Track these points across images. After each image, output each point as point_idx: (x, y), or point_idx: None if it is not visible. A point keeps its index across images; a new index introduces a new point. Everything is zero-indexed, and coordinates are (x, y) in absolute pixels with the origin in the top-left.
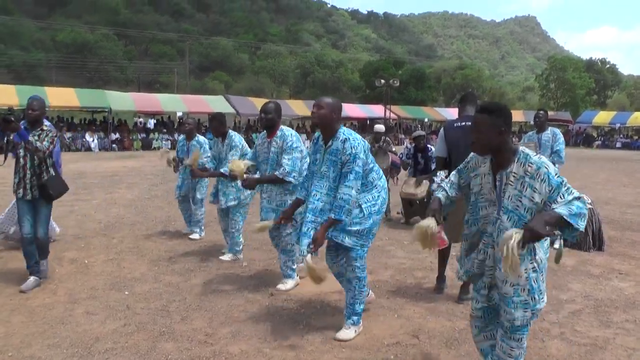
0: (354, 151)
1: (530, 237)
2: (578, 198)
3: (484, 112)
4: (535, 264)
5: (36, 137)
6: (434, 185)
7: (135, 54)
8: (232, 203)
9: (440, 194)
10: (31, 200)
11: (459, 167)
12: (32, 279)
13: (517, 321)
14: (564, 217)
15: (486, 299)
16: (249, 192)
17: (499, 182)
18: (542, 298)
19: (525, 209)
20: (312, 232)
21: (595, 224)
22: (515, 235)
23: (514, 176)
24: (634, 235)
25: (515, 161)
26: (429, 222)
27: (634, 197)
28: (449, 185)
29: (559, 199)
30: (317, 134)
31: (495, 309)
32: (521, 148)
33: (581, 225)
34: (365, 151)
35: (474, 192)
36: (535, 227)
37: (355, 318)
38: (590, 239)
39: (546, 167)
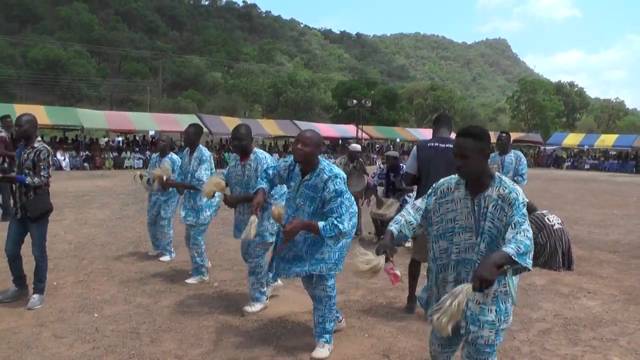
0: (337, 187)
1: (482, 285)
2: (527, 235)
3: (469, 136)
4: (507, 287)
5: (27, 160)
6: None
7: (108, 71)
8: (190, 220)
9: (392, 227)
10: (21, 219)
11: (427, 192)
12: (36, 296)
13: (480, 340)
14: (513, 257)
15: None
16: (209, 212)
17: (478, 206)
18: (507, 319)
19: (498, 231)
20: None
21: (565, 244)
22: (465, 289)
23: (490, 199)
24: (601, 255)
25: (492, 185)
26: (378, 260)
27: (602, 217)
28: (413, 211)
29: (509, 229)
30: (291, 159)
31: (458, 330)
32: (497, 173)
33: (529, 263)
34: (345, 184)
35: (446, 219)
36: (485, 275)
37: (327, 336)
38: (560, 259)
39: (516, 194)
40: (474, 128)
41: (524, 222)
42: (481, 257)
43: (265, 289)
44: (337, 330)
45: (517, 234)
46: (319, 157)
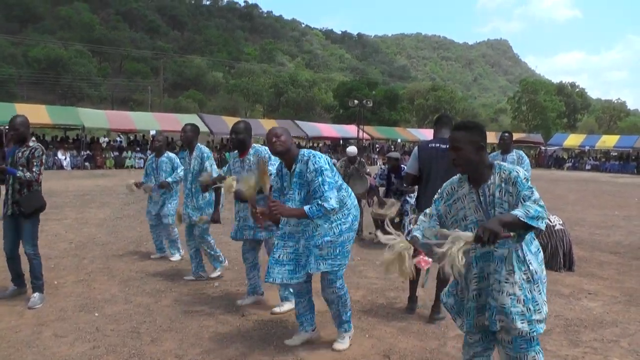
0: (317, 166)
1: (486, 236)
2: (538, 203)
3: (461, 129)
4: (529, 275)
5: (21, 158)
6: (407, 206)
7: (110, 71)
8: (195, 219)
9: (415, 232)
10: (12, 216)
11: (434, 198)
12: (36, 295)
13: (515, 331)
14: (521, 218)
15: (483, 324)
16: (211, 211)
17: (483, 195)
18: (539, 309)
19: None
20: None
21: (566, 245)
22: (464, 236)
23: (494, 186)
24: (602, 256)
25: (493, 173)
26: (405, 245)
27: (602, 218)
28: (427, 218)
29: (519, 204)
30: (275, 167)
31: (491, 331)
32: (496, 162)
33: (541, 225)
34: (329, 164)
35: (458, 219)
36: (489, 225)
37: (345, 326)
38: (561, 259)
39: (516, 172)
40: (466, 122)
41: (532, 194)
42: (499, 245)
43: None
44: (309, 341)
45: (526, 203)
46: (295, 146)
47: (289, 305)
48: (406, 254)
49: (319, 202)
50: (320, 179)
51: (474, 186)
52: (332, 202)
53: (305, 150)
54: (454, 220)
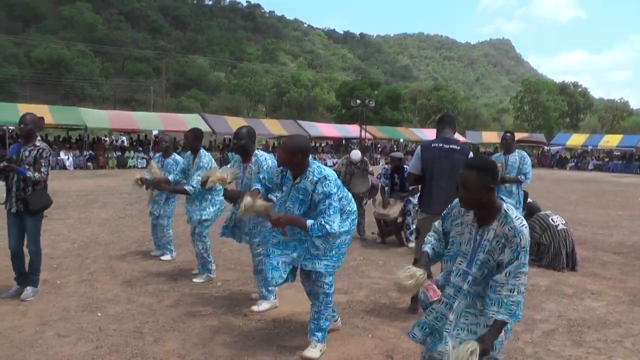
0: (326, 190)
1: (483, 352)
2: (519, 290)
3: (472, 169)
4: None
5: (28, 157)
6: (410, 206)
7: (112, 71)
8: (195, 219)
9: (426, 248)
10: (16, 213)
11: (442, 214)
12: (29, 288)
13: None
14: (507, 322)
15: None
16: (212, 209)
17: (480, 236)
18: (501, 349)
19: (493, 265)
20: (283, 264)
21: (569, 245)
22: (471, 348)
23: (493, 233)
24: (605, 256)
25: (498, 219)
26: (421, 272)
27: (605, 218)
28: (436, 234)
29: (503, 276)
30: None
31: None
32: (505, 205)
33: (519, 315)
34: (337, 186)
35: (456, 241)
36: (487, 346)
37: (319, 334)
38: (564, 260)
39: (520, 239)
40: (478, 161)
41: (520, 275)
42: (470, 287)
43: (272, 287)
44: (332, 330)
45: (508, 291)
46: (308, 160)
47: (267, 305)
48: (419, 281)
49: (323, 222)
50: (327, 202)
51: (478, 221)
52: (335, 226)
53: (316, 168)
54: (452, 240)
